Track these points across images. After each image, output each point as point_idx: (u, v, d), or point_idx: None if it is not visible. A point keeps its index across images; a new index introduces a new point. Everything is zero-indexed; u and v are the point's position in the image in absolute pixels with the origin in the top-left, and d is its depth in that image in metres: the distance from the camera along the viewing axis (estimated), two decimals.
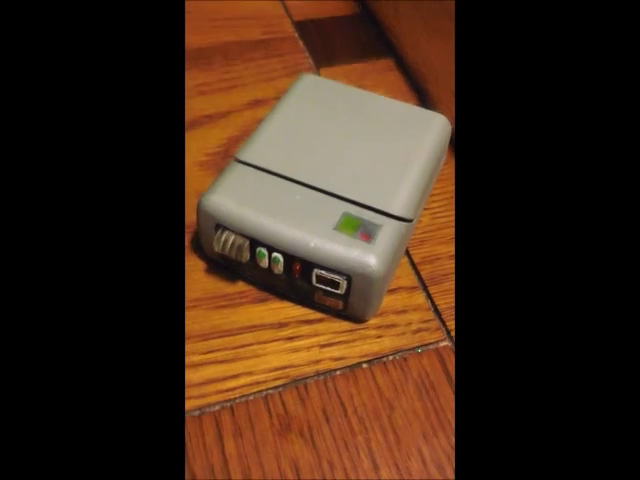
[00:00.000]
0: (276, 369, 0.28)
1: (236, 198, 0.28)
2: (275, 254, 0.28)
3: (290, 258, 0.27)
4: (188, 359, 0.28)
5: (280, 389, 0.27)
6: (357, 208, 0.28)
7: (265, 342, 0.29)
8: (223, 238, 0.28)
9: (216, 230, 0.28)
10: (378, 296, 0.28)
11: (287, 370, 0.28)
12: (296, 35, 0.45)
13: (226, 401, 0.27)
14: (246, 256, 0.28)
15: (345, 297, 0.28)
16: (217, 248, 0.28)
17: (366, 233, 0.27)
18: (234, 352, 0.28)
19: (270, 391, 0.27)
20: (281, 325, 0.29)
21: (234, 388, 0.27)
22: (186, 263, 0.31)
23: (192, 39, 0.44)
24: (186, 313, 0.29)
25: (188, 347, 0.28)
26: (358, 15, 0.48)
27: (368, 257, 0.26)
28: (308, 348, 0.29)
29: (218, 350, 0.28)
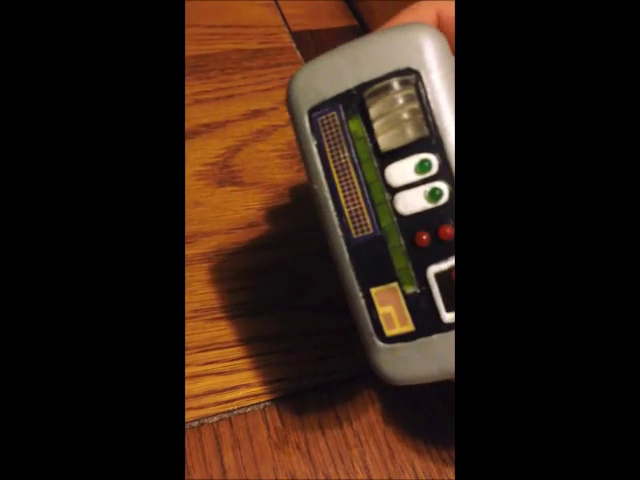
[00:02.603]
0: (273, 381, 0.28)
1: None
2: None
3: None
4: (187, 370, 0.28)
5: (277, 402, 0.28)
6: None
7: (263, 354, 0.29)
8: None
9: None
10: None
11: (284, 383, 0.28)
12: (293, 46, 0.46)
13: (225, 412, 0.27)
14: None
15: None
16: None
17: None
18: (232, 364, 0.29)
19: (267, 404, 0.28)
20: (279, 338, 0.30)
21: (232, 400, 0.28)
22: (185, 274, 0.32)
23: (190, 47, 0.44)
24: (185, 324, 0.30)
25: (187, 358, 0.29)
26: (354, 27, 0.49)
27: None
28: (305, 361, 0.29)
29: (216, 362, 0.29)
